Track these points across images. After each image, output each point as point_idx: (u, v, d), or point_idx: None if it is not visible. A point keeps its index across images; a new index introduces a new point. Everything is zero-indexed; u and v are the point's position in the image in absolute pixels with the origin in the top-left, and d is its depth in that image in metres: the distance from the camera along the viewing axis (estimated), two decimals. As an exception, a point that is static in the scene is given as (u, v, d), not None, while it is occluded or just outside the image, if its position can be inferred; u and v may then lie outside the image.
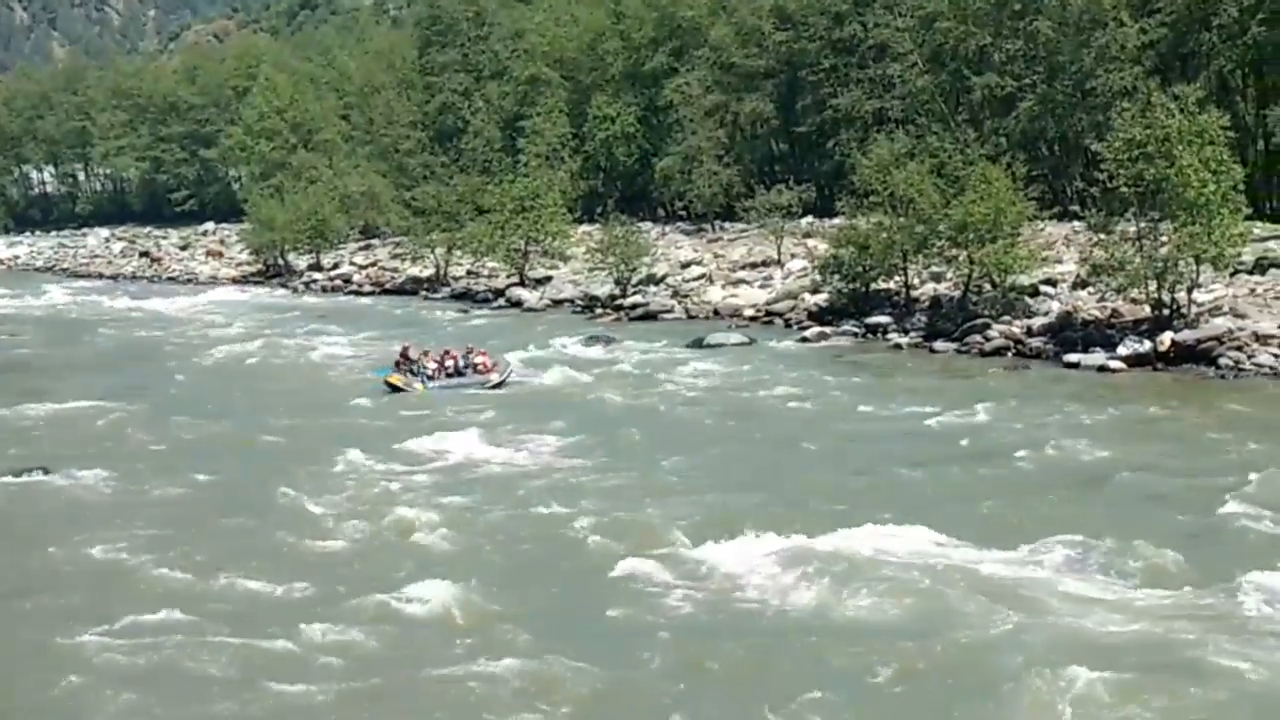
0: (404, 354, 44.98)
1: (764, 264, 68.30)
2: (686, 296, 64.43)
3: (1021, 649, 18.42)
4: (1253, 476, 27.25)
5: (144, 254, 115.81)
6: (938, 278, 52.57)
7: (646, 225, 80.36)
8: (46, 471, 31.28)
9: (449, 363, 43.82)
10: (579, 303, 67.84)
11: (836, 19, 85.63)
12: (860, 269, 54.66)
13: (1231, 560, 21.81)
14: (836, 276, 56.18)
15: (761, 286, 63.73)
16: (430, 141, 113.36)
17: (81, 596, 21.48)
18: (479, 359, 44.06)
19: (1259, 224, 51.36)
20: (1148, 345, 43.01)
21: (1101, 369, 42.61)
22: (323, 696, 17.53)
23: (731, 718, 17.01)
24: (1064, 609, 20.23)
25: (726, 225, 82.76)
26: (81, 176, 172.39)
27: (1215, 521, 24.81)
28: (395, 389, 42.35)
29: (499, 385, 42.57)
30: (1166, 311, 44.10)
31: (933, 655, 18.75)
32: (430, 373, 43.40)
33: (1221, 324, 43.05)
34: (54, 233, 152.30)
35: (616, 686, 17.87)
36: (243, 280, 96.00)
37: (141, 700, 17.06)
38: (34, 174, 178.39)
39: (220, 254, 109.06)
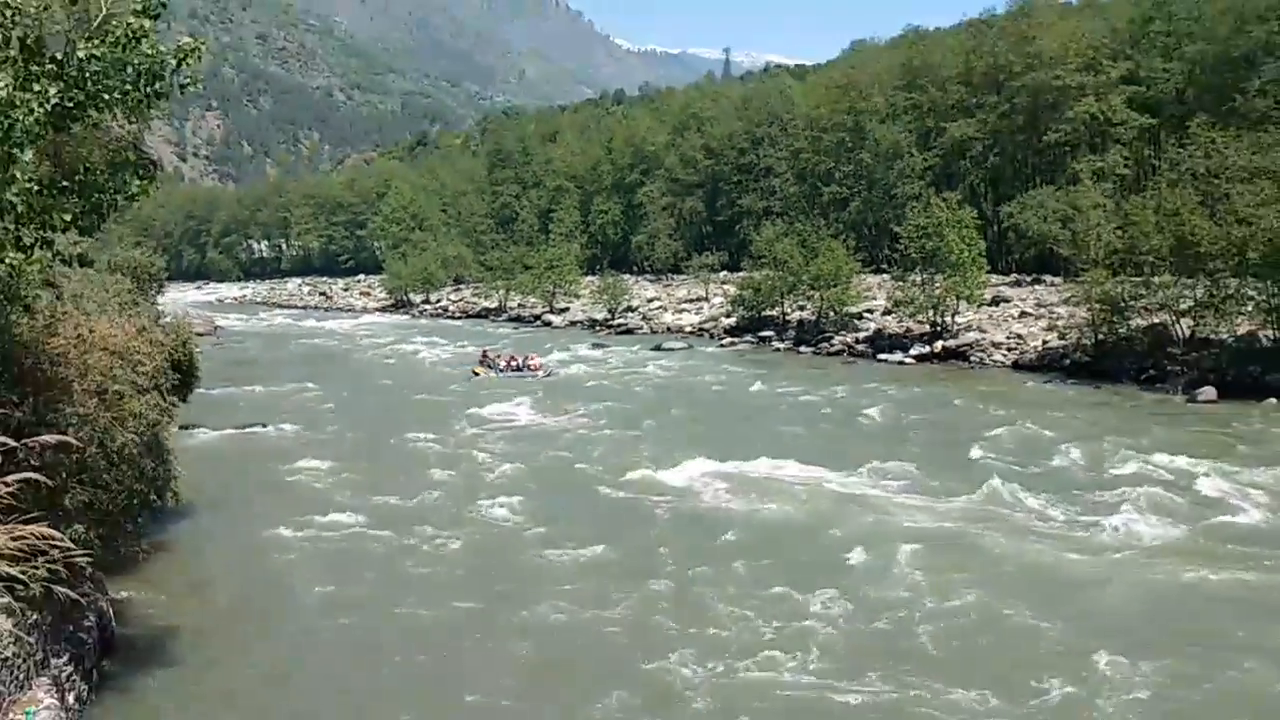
0: (484, 355, 44.80)
1: (697, 299, 68.27)
2: (650, 319, 64.52)
3: (862, 535, 18.53)
4: (990, 426, 27.81)
5: (322, 294, 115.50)
6: (802, 308, 52.67)
7: (626, 276, 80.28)
8: (264, 425, 31.28)
9: (513, 362, 42.96)
10: (586, 323, 67.83)
11: (741, 152, 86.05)
12: (755, 303, 54.88)
13: (984, 478, 22.12)
14: (741, 307, 56.35)
15: (696, 313, 63.72)
16: (495, 225, 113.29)
17: (284, 503, 21.57)
18: (532, 361, 43.25)
19: (993, 276, 51.70)
20: (928, 348, 43.46)
21: (900, 362, 42.91)
22: (437, 568, 17.62)
23: (674, 564, 17.00)
24: (888, 510, 20.38)
25: (675, 276, 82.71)
26: (284, 246, 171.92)
27: (972, 453, 25.05)
28: (477, 375, 42.01)
29: (546, 377, 41.73)
30: (939, 328, 44.49)
31: (804, 536, 18.90)
32: (501, 367, 42.72)
33: (972, 336, 43.45)
34: (266, 281, 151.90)
35: (608, 550, 18.02)
36: (381, 309, 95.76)
37: (321, 574, 17.14)
38: (255, 245, 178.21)
39: (368, 294, 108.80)
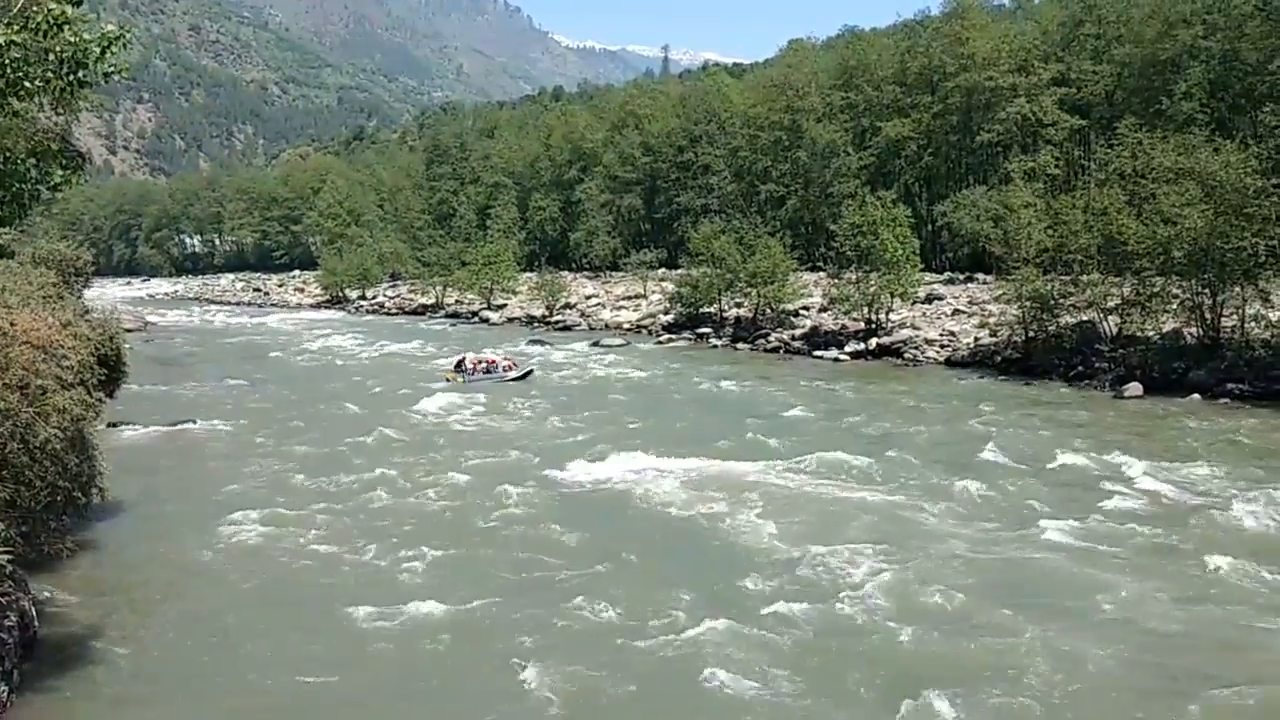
0: (460, 362, 41.18)
1: (635, 296, 68.43)
2: (588, 315, 64.50)
3: (789, 522, 18.80)
4: (921, 422, 28.24)
5: (256, 289, 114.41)
6: (739, 305, 52.93)
7: (565, 273, 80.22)
8: (194, 422, 30.83)
9: (483, 365, 40.35)
10: (524, 320, 67.65)
11: (679, 150, 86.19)
12: (694, 300, 55.05)
13: (915, 464, 22.53)
14: (679, 304, 56.52)
15: (634, 310, 63.82)
16: (433, 221, 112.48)
17: (212, 502, 21.30)
18: (505, 362, 40.89)
19: (928, 274, 52.30)
20: (863, 345, 43.86)
21: (836, 359, 43.24)
22: (362, 565, 17.54)
23: (602, 532, 17.09)
24: (812, 494, 20.70)
25: (613, 273, 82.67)
26: (217, 242, 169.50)
27: (899, 440, 25.52)
28: (449, 381, 39.25)
29: (520, 378, 39.34)
30: (874, 325, 44.92)
31: (718, 527, 19.03)
32: (469, 370, 39.95)
33: (905, 333, 43.93)
34: (199, 277, 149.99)
35: (543, 521, 18.14)
36: (316, 305, 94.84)
37: (247, 573, 17.02)
38: (187, 240, 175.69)
39: (303, 290, 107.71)
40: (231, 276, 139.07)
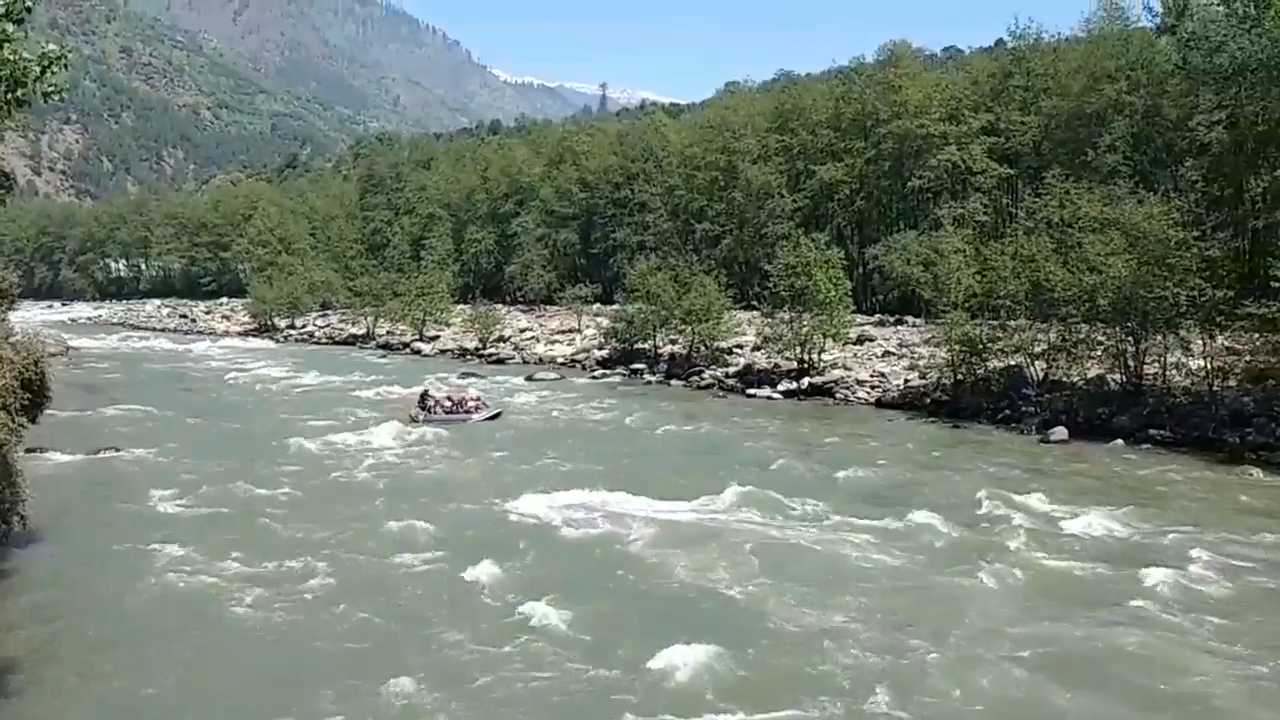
0: (423, 397, 38.34)
1: (570, 331, 68.24)
2: (522, 349, 64.19)
3: (709, 552, 19.07)
4: (850, 462, 28.43)
5: (183, 316, 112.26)
6: (674, 342, 53.04)
7: (499, 306, 79.91)
8: (117, 450, 30.36)
9: (446, 403, 37.52)
10: (456, 352, 67.14)
11: (616, 186, 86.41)
12: (628, 335, 55.11)
13: (841, 503, 22.73)
14: (614, 340, 56.54)
15: (568, 345, 63.61)
16: (365, 251, 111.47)
17: (134, 531, 20.97)
18: (474, 399, 38.15)
19: (859, 316, 52.87)
20: (795, 384, 44.17)
21: (769, 397, 43.48)
22: (281, 598, 17.35)
23: (519, 568, 17.08)
24: (735, 529, 20.93)
25: (548, 307, 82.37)
26: (143, 267, 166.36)
27: (829, 479, 25.85)
28: (415, 422, 36.10)
29: (488, 419, 36.66)
30: (806, 365, 45.26)
31: (642, 564, 19.17)
32: (432, 407, 37.30)
33: (837, 373, 44.30)
34: (124, 302, 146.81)
35: (482, 553, 18.08)
36: (244, 334, 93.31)
37: (167, 604, 16.86)
38: (113, 264, 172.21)
39: (230, 317, 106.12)
40: (158, 302, 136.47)
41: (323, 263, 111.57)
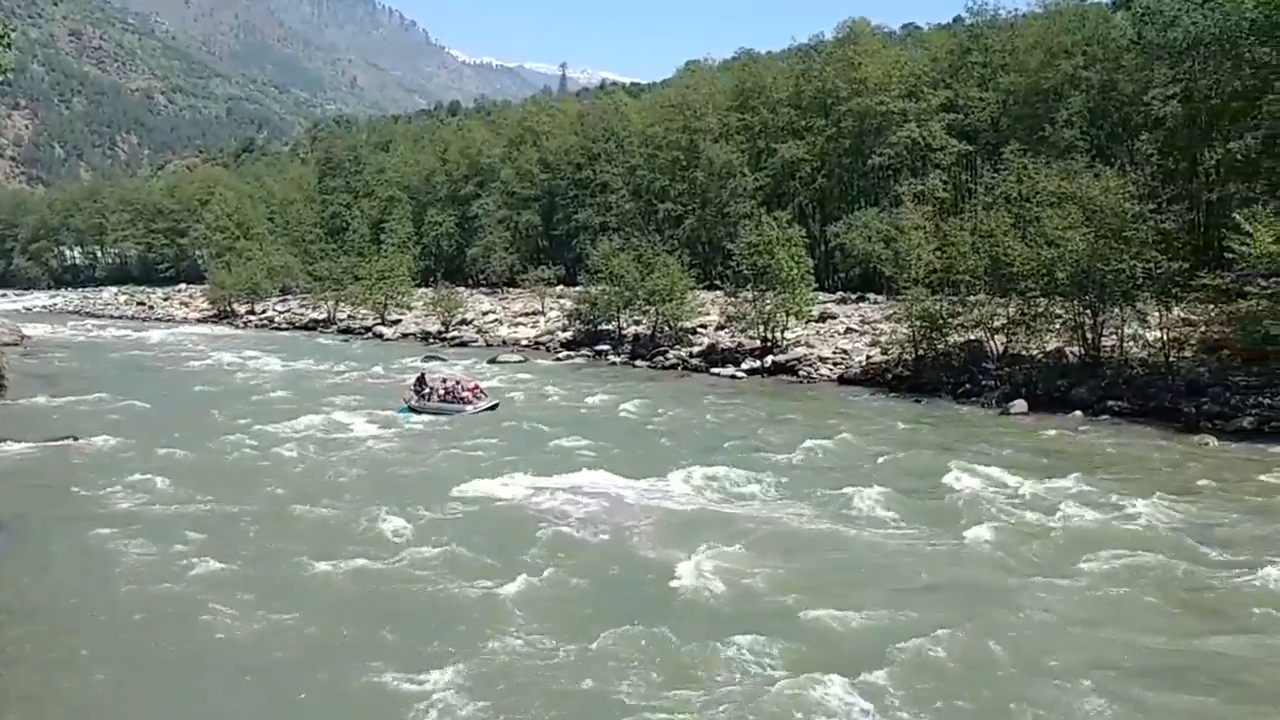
0: (419, 381, 36.93)
1: (534, 313, 68.20)
2: (485, 332, 64.16)
3: (671, 531, 19.31)
4: (813, 437, 28.55)
5: (140, 303, 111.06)
6: (638, 322, 53.19)
7: (461, 289, 79.58)
8: (74, 439, 30.00)
9: (441, 389, 35.65)
10: (419, 335, 67.04)
11: (578, 167, 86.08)
12: (592, 317, 55.26)
13: (805, 479, 22.99)
14: (578, 321, 56.67)
15: (532, 327, 63.65)
16: (325, 235, 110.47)
17: (94, 519, 20.84)
18: (471, 387, 36.17)
19: (821, 293, 53.10)
20: (759, 363, 44.46)
21: (733, 376, 43.76)
22: (245, 585, 17.36)
23: (509, 538, 17.19)
24: (695, 509, 21.16)
25: (511, 289, 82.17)
26: (99, 254, 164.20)
27: (790, 456, 26.08)
28: (414, 410, 34.80)
29: (482, 411, 34.75)
30: (770, 343, 45.55)
31: (613, 523, 19.30)
32: (427, 395, 35.47)
33: (800, 351, 44.66)
34: (80, 290, 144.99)
35: (454, 532, 18.12)
36: (203, 320, 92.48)
37: (129, 593, 16.80)
38: (67, 252, 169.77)
39: (188, 304, 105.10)
40: (114, 289, 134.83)
41: (282, 247, 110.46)
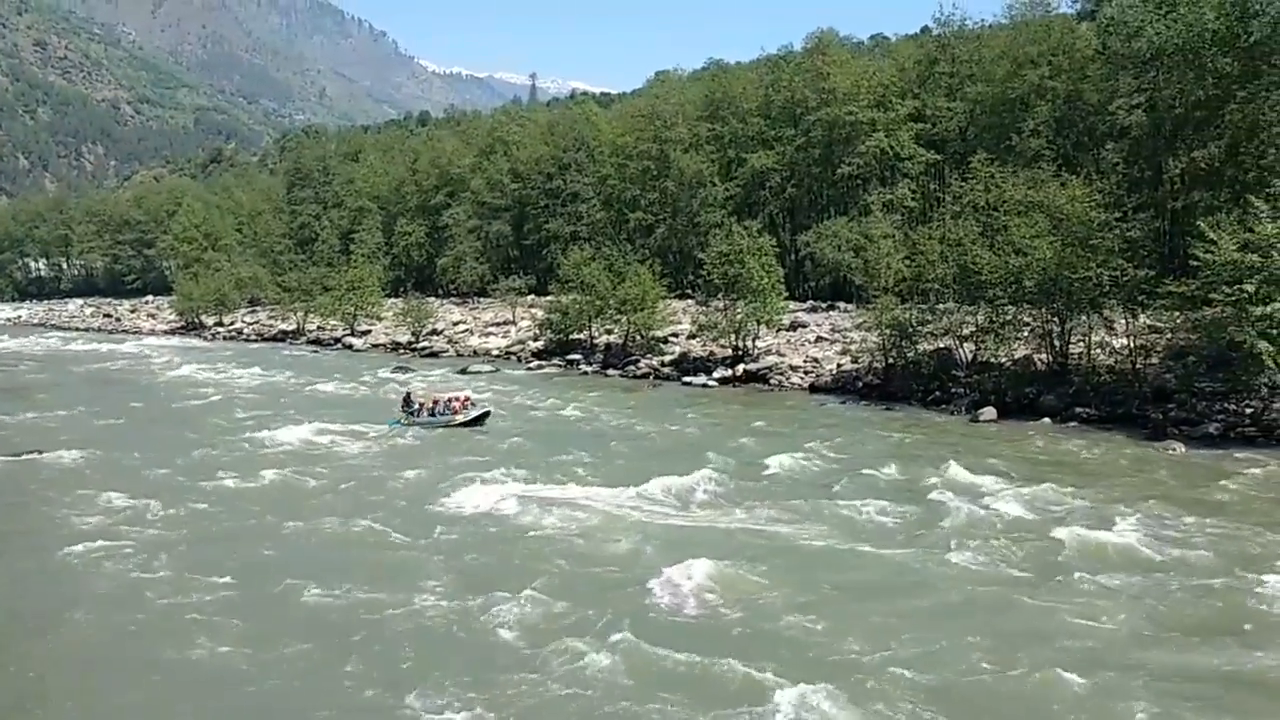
0: (406, 400, 36.51)
1: (504, 323, 68.16)
2: (456, 342, 64.02)
3: (650, 543, 19.25)
4: (780, 443, 28.72)
5: (106, 315, 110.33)
6: (609, 332, 53.17)
7: (431, 299, 79.44)
8: (40, 452, 29.66)
9: (430, 405, 35.41)
10: (389, 346, 66.83)
11: (548, 176, 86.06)
12: (563, 326, 55.18)
13: (778, 486, 23.02)
14: (549, 331, 56.58)
15: (503, 337, 63.56)
16: (294, 246, 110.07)
17: (59, 532, 20.65)
18: (455, 405, 35.29)
19: (792, 302, 53.26)
20: (731, 371, 44.52)
21: (704, 385, 43.79)
22: (212, 593, 17.23)
23: (485, 552, 17.12)
24: (672, 519, 21.13)
25: (481, 299, 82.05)
26: (65, 266, 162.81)
27: (759, 464, 26.20)
28: (404, 424, 34.73)
29: (473, 423, 34.33)
30: (741, 352, 45.66)
31: (592, 535, 19.29)
32: (415, 410, 35.31)
33: (771, 359, 44.80)
34: (45, 302, 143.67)
35: (428, 546, 18.02)
36: (170, 332, 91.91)
37: (93, 606, 16.73)
38: (32, 264, 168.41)
39: (155, 315, 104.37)
40: (80, 302, 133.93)
41: (250, 258, 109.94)
